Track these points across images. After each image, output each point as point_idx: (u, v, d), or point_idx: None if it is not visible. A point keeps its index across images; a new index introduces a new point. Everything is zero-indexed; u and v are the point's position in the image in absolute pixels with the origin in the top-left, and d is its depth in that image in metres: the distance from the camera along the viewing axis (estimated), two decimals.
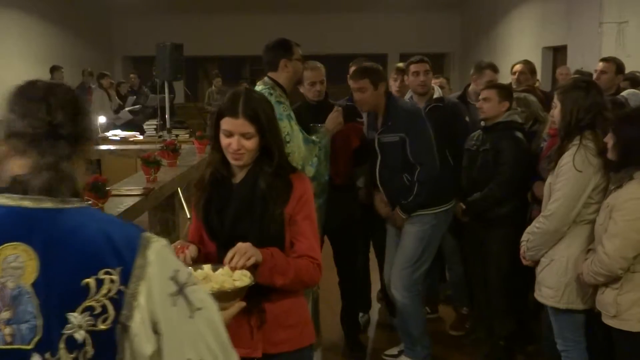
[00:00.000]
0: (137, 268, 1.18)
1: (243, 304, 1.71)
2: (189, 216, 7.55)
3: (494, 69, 4.83)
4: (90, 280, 1.16)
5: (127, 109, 10.51)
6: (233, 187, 2.10)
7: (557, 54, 10.33)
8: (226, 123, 2.02)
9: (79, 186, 1.29)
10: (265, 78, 3.41)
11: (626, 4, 7.90)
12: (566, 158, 2.90)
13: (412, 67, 4.21)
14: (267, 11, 15.23)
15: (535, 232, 3.06)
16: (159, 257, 1.20)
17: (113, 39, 16.01)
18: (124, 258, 1.18)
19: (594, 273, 2.72)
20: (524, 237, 3.18)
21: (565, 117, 2.93)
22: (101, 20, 15.37)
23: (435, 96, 4.23)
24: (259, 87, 3.38)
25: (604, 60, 5.12)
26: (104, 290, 1.15)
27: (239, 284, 1.72)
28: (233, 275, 1.75)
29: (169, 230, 6.30)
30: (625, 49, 7.56)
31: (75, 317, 1.15)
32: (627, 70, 5.67)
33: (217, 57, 16.53)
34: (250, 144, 2.01)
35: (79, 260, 1.17)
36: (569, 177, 2.87)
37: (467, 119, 4.33)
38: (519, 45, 11.68)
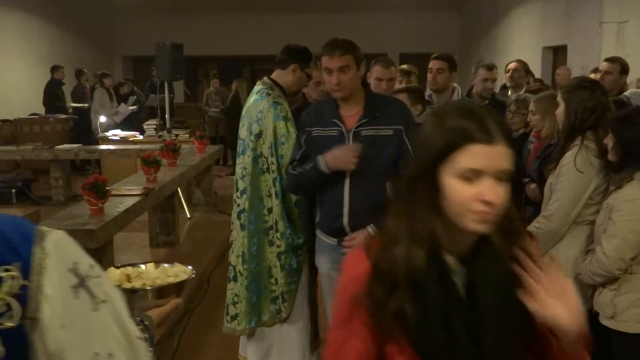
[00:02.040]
0: (36, 260, 1.14)
1: (179, 300, 1.60)
2: (189, 216, 7.55)
3: (488, 67, 4.67)
4: None
5: (130, 108, 10.54)
6: (459, 273, 1.27)
7: (557, 54, 10.33)
8: (471, 155, 1.19)
9: None
10: (265, 78, 3.40)
11: (626, 4, 7.89)
12: (567, 158, 2.89)
13: (430, 63, 4.23)
14: (267, 11, 15.24)
15: (535, 232, 3.06)
16: (56, 248, 1.17)
17: (113, 39, 16.01)
18: (21, 253, 1.14)
19: (592, 273, 2.71)
20: None
21: (570, 117, 2.92)
22: (101, 20, 15.37)
23: (454, 97, 4.19)
24: (257, 87, 3.38)
25: (608, 60, 5.01)
26: (5, 288, 1.12)
27: (173, 279, 1.65)
28: (168, 272, 1.69)
29: (168, 230, 6.31)
30: (625, 49, 7.55)
31: None
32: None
33: (217, 57, 16.53)
34: (506, 191, 1.22)
35: None
36: (569, 177, 2.87)
37: None
38: (519, 45, 11.67)
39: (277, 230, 3.24)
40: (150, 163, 5.19)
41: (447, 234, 1.25)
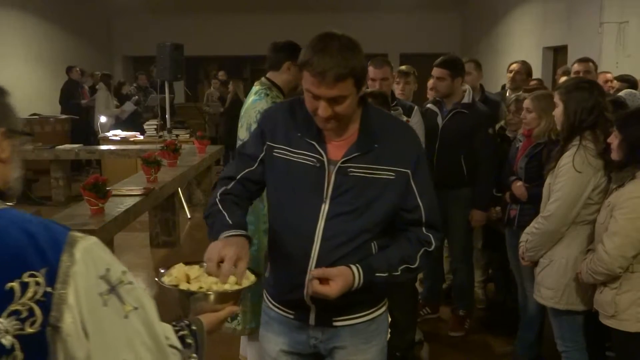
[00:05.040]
0: (63, 267, 1.13)
1: (236, 308, 1.59)
2: (189, 216, 7.56)
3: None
4: (15, 284, 1.12)
5: (133, 108, 10.59)
6: None
7: (557, 54, 10.32)
8: None
9: (7, 186, 1.25)
10: (263, 78, 3.40)
11: (626, 4, 7.89)
12: (566, 159, 2.90)
13: (432, 70, 4.09)
14: (267, 11, 15.25)
15: (534, 233, 3.06)
16: (87, 255, 1.16)
17: (113, 39, 16.02)
18: (49, 258, 1.13)
19: (592, 272, 2.72)
20: (523, 237, 3.18)
21: (569, 118, 2.93)
22: (101, 20, 15.37)
23: (464, 100, 4.08)
24: (255, 87, 3.37)
25: (582, 60, 5.13)
26: (29, 294, 1.11)
27: (229, 287, 1.60)
28: (228, 279, 1.65)
29: (169, 230, 6.31)
30: (625, 49, 7.55)
31: (1, 323, 1.11)
32: (627, 71, 5.70)
33: (217, 57, 16.53)
34: None
35: (0, 264, 1.13)
36: (568, 177, 2.88)
37: (490, 131, 4.14)
38: (519, 45, 11.67)
39: None
40: (150, 163, 5.20)
41: None
